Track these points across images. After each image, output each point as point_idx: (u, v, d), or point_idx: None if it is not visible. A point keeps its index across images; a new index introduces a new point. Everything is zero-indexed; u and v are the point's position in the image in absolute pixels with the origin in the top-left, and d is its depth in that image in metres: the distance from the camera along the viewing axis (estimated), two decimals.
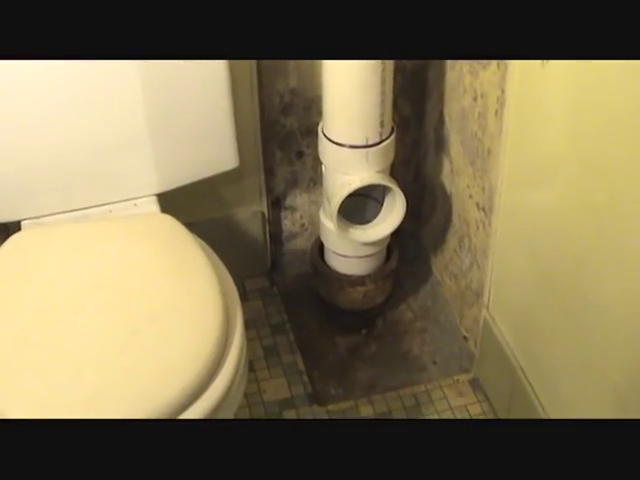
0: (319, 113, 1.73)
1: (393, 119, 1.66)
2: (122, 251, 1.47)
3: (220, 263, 1.49)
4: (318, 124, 1.69)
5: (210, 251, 1.50)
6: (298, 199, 2.01)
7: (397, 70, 1.66)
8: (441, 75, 1.81)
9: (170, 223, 1.52)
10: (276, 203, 2.01)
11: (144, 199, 1.59)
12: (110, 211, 1.57)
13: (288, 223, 2.05)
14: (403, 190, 1.68)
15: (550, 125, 1.40)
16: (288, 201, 2.01)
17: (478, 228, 1.75)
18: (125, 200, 1.58)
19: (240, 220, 2.00)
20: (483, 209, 1.71)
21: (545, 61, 1.35)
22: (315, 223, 2.00)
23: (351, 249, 1.80)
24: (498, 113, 1.56)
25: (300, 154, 1.93)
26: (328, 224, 1.77)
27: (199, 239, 1.51)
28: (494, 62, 1.54)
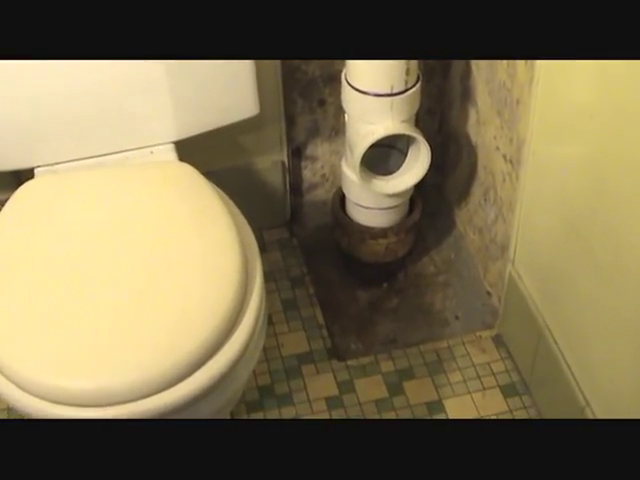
0: (342, 60, 1.68)
1: (419, 68, 1.61)
2: (138, 198, 1.44)
3: (239, 213, 1.46)
4: (341, 71, 1.66)
5: (229, 200, 1.48)
6: (319, 149, 1.98)
7: None
8: None
9: (188, 171, 1.50)
10: (297, 153, 1.98)
11: (161, 147, 1.56)
12: (126, 159, 1.54)
13: (309, 173, 2.02)
14: (427, 141, 1.64)
15: (583, 74, 1.36)
16: (309, 151, 1.98)
17: (504, 181, 1.71)
18: (141, 147, 1.55)
19: (259, 170, 1.97)
20: (510, 161, 1.66)
21: None
22: (336, 174, 1.98)
23: (373, 201, 1.77)
24: (528, 61, 1.51)
25: (322, 102, 1.89)
26: (350, 175, 1.74)
27: (217, 188, 1.48)
28: None
